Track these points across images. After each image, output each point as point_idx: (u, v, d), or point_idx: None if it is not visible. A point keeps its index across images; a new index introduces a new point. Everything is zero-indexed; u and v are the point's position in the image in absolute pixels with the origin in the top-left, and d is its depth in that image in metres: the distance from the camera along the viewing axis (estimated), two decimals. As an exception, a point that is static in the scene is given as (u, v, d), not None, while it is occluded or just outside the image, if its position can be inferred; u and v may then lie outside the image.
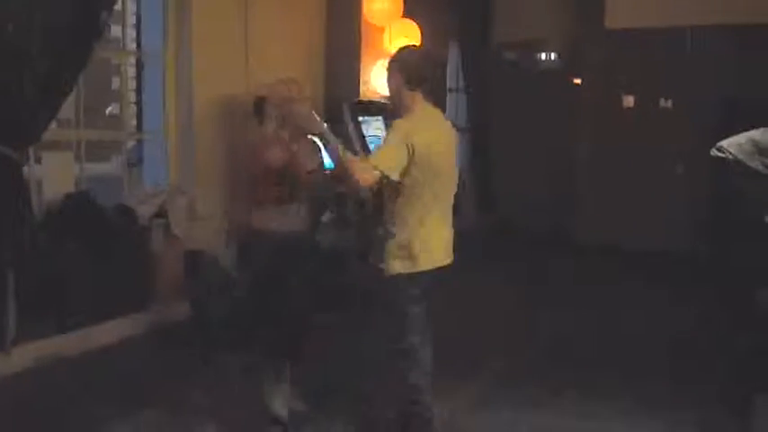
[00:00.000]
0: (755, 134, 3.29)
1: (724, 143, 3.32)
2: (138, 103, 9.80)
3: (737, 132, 3.72)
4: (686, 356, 4.55)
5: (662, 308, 5.65)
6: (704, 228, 6.79)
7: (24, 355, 4.08)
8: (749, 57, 7.11)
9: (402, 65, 3.10)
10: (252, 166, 3.59)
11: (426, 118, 3.14)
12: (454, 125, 3.43)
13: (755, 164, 3.17)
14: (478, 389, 4.05)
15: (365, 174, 2.93)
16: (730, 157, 3.25)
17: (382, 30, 6.64)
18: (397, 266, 3.08)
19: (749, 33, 7.03)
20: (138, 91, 10.43)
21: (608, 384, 4.08)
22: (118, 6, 8.14)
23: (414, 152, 2.97)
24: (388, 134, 3.13)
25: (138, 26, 8.09)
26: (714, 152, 3.31)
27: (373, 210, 3.41)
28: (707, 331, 4.84)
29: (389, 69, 3.14)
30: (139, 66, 8.45)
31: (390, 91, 3.18)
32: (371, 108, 5.99)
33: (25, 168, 4.40)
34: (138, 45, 8.05)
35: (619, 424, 3.67)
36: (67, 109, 4.72)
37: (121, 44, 5.92)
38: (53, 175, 4.59)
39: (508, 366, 4.36)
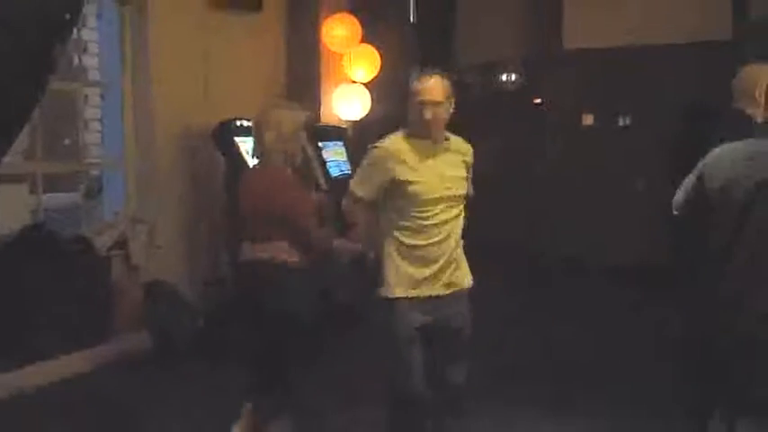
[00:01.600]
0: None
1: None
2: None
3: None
4: (648, 376, 4.57)
5: (623, 327, 5.70)
6: (668, 245, 6.88)
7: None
8: (706, 74, 7.26)
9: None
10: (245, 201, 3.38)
11: None
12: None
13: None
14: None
15: None
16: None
17: (342, 56, 6.70)
18: None
19: (705, 51, 7.20)
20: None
21: (564, 402, 4.11)
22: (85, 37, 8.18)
23: None
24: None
25: (101, 56, 8.11)
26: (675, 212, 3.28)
27: None
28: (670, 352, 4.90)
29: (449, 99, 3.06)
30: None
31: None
32: (331, 133, 6.03)
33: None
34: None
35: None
36: (24, 140, 4.70)
37: (85, 74, 5.92)
38: (7, 207, 4.54)
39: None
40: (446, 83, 3.01)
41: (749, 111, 3.40)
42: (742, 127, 3.20)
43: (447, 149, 3.10)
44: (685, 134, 7.21)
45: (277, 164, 3.29)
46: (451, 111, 3.05)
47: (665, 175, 7.40)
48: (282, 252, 3.22)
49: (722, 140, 3.16)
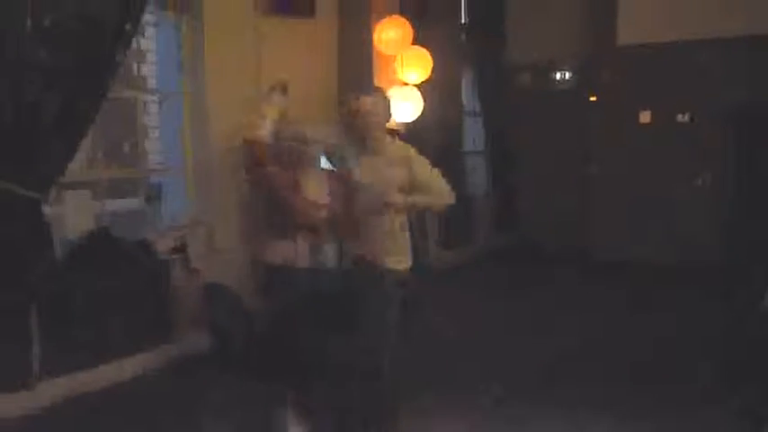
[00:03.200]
0: None
1: None
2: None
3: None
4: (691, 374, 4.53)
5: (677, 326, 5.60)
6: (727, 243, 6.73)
7: (48, 392, 4.14)
8: (765, 67, 7.07)
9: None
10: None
11: None
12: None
13: None
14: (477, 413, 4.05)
15: None
16: None
17: (394, 58, 6.72)
18: None
19: (764, 44, 7.01)
20: (163, 127, 10.57)
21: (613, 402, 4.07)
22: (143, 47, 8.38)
23: None
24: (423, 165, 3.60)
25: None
26: None
27: None
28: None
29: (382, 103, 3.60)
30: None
31: (380, 123, 3.58)
32: (385, 135, 6.03)
33: (47, 208, 4.52)
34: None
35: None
36: (87, 148, 4.84)
37: (144, 83, 6.05)
38: (73, 212, 4.68)
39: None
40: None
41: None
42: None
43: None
44: (746, 132, 7.07)
45: None
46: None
47: (726, 175, 7.26)
48: None
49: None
